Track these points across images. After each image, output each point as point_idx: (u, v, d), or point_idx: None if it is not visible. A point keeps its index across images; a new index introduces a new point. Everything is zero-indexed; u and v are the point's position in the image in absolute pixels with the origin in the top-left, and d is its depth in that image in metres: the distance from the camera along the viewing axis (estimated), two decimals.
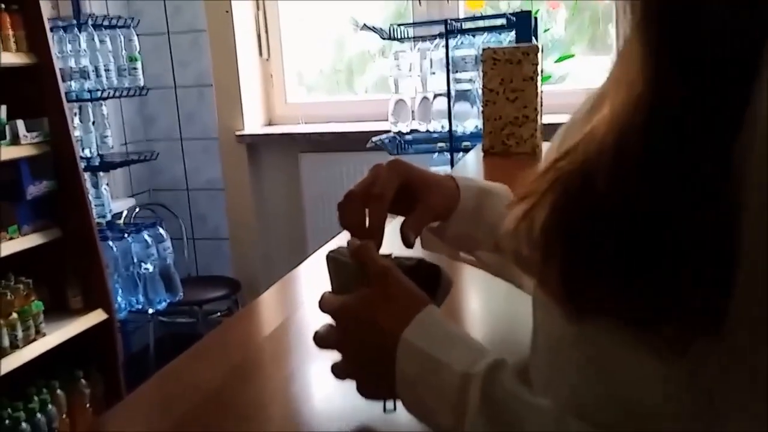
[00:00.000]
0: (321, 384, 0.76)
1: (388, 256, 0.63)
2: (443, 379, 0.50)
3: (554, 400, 0.46)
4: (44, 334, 2.18)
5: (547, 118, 2.11)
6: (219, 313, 3.21)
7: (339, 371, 0.60)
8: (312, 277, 1.32)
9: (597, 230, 0.38)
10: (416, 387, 0.52)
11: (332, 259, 0.64)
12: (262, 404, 0.75)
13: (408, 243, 0.66)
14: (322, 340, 0.61)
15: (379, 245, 0.64)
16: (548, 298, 0.43)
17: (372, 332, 0.56)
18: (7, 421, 2.04)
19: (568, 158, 0.42)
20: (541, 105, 2.11)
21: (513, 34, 2.33)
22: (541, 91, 2.11)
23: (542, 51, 2.05)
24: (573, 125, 0.49)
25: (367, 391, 0.59)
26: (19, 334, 2.08)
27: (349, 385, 0.60)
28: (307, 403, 0.76)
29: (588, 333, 0.42)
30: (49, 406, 2.17)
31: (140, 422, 0.76)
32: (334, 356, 0.61)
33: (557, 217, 0.41)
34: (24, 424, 2.05)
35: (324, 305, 0.61)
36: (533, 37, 2.28)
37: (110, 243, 2.58)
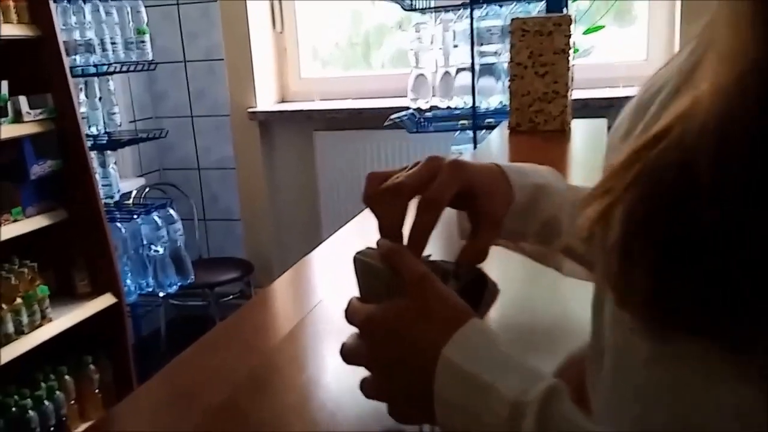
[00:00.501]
0: (341, 386, 0.70)
1: (426, 258, 0.56)
2: (491, 406, 0.44)
3: (616, 425, 0.42)
4: (50, 320, 2.11)
5: (575, 94, 2.03)
6: (231, 296, 3.13)
7: (369, 390, 0.54)
8: (327, 264, 1.29)
9: (697, 233, 0.33)
10: (458, 413, 0.46)
11: (360, 262, 0.56)
12: (280, 406, 0.69)
13: (480, 261, 0.58)
14: (351, 355, 0.54)
15: (417, 256, 0.55)
16: (626, 312, 0.38)
17: (407, 349, 0.50)
18: (13, 409, 1.97)
19: (657, 145, 0.35)
20: (572, 80, 2.00)
21: (542, 4, 2.20)
22: (572, 65, 2.00)
23: (575, 22, 1.93)
24: (642, 106, 0.43)
25: (400, 414, 0.53)
26: (24, 319, 2.01)
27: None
28: (327, 406, 0.68)
29: (670, 354, 0.37)
30: (57, 392, 2.10)
31: (149, 417, 0.74)
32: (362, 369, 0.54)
33: (645, 217, 0.35)
34: (31, 412, 1.98)
35: (352, 316, 0.54)
36: (564, 8, 2.15)
37: (118, 224, 2.49)
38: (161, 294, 2.68)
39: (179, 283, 2.68)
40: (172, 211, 2.68)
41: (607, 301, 0.42)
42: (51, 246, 2.25)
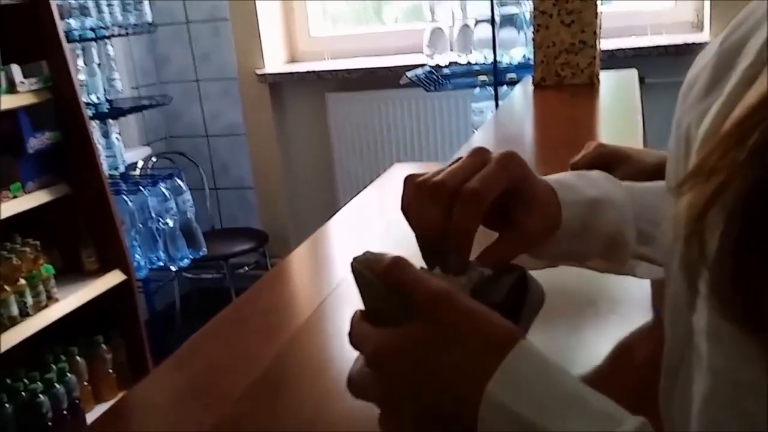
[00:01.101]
0: None
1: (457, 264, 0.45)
2: None
3: None
4: (57, 300, 2.02)
5: (603, 44, 1.94)
6: (247, 268, 3.03)
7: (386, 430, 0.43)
8: (345, 234, 1.24)
9: None
10: None
11: (359, 274, 0.44)
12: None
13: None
14: (360, 391, 0.43)
15: (464, 259, 0.45)
16: (741, 327, 0.30)
17: (434, 386, 0.39)
18: (23, 393, 1.90)
19: None
20: (600, 28, 1.87)
21: None
22: (601, 12, 1.87)
23: None
24: (725, 59, 0.36)
25: None
26: (29, 300, 1.92)
27: None
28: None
29: None
30: (68, 374, 2.03)
31: (166, 407, 0.74)
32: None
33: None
34: (42, 396, 1.91)
35: (357, 342, 0.43)
36: None
37: (125, 197, 2.38)
38: (173, 268, 2.59)
39: (191, 257, 2.59)
40: (180, 182, 2.56)
41: (701, 308, 0.34)
42: (54, 223, 2.16)
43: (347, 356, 0.45)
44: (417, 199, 0.47)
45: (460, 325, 0.39)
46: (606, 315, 0.74)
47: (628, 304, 0.75)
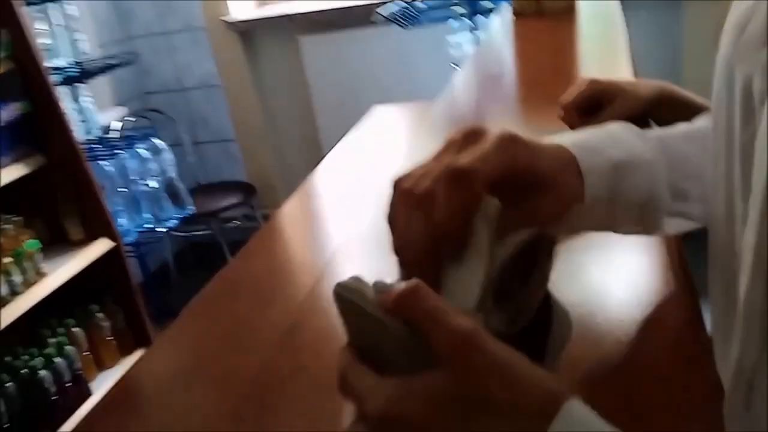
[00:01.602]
0: None
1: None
2: None
3: None
4: (46, 274, 2.00)
5: None
6: (237, 222, 3.00)
7: None
8: (332, 184, 1.22)
9: None
10: None
11: (350, 305, 0.35)
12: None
13: None
14: None
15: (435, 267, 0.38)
16: None
17: None
18: (24, 371, 1.90)
19: None
20: None
21: None
22: None
23: None
24: None
25: None
26: (17, 278, 1.90)
27: None
28: None
29: None
30: (67, 347, 2.02)
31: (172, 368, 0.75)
32: None
33: None
34: (42, 371, 1.91)
35: (355, 395, 0.34)
36: None
37: (102, 162, 2.32)
38: (161, 230, 2.55)
39: (178, 216, 2.55)
40: (157, 141, 2.50)
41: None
42: (34, 196, 2.11)
43: None
44: (397, 211, 0.40)
45: (492, 382, 0.32)
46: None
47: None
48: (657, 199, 0.49)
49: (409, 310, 0.33)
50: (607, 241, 0.62)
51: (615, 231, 0.51)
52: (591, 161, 0.45)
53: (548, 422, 0.31)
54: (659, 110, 0.92)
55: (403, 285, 0.33)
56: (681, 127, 0.56)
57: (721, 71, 0.38)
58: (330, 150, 1.35)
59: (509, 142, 0.41)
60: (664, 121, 0.95)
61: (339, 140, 1.51)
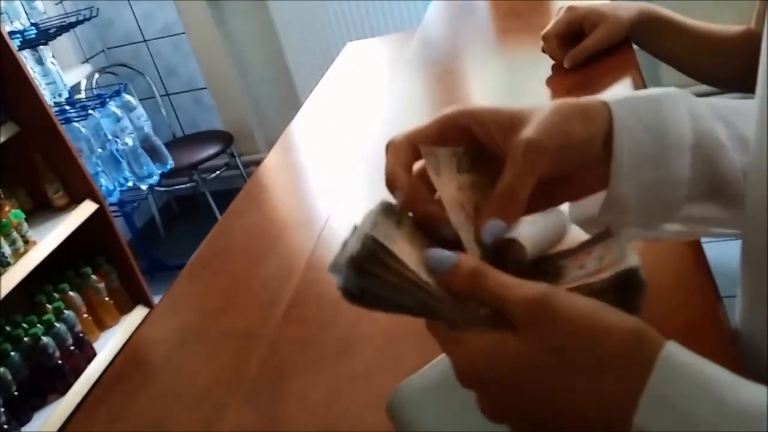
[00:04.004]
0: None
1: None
2: None
3: None
4: (34, 242, 1.99)
5: None
6: (218, 172, 2.98)
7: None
8: (312, 134, 1.21)
9: None
10: None
11: (389, 272, 0.34)
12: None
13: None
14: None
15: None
16: None
17: (561, 420, 0.33)
18: (26, 339, 1.92)
19: None
20: None
21: None
22: None
23: None
24: None
25: None
26: (6, 250, 1.89)
27: None
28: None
29: None
30: (66, 311, 2.04)
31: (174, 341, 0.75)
32: None
33: None
34: (44, 338, 1.93)
35: (457, 353, 0.35)
36: None
37: (76, 124, 2.28)
38: (143, 187, 2.54)
39: (159, 171, 2.53)
40: (128, 97, 2.45)
41: None
42: (12, 165, 2.09)
43: None
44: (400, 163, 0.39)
45: (577, 342, 0.31)
46: None
47: None
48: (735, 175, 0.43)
49: (475, 291, 0.34)
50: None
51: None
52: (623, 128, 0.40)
53: (646, 371, 0.30)
54: (640, 32, 0.92)
55: (461, 264, 0.34)
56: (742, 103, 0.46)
57: None
58: (305, 92, 1.33)
59: (534, 150, 0.37)
60: (645, 42, 0.95)
61: (314, 80, 1.49)
